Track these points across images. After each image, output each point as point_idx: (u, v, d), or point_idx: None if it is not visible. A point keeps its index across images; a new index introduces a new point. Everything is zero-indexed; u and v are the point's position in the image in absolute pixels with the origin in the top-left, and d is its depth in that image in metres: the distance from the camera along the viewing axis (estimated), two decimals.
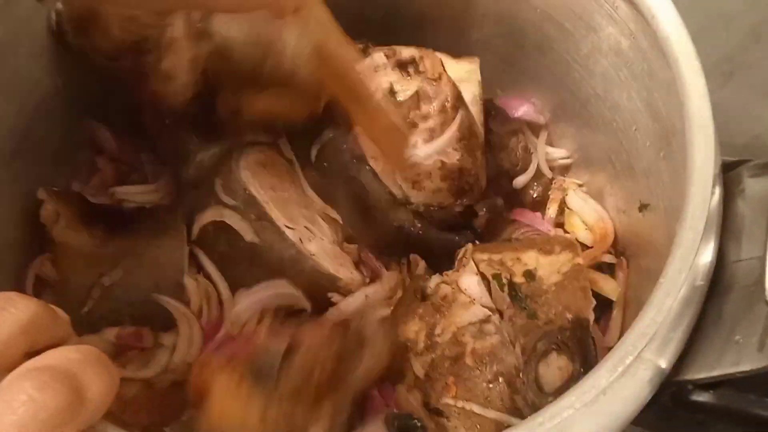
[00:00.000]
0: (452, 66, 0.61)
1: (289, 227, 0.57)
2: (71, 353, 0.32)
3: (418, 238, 0.61)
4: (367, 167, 0.59)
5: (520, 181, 0.68)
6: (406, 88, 0.59)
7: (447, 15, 0.68)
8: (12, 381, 0.29)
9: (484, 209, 0.63)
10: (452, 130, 0.58)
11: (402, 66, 0.59)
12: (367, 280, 0.61)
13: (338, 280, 0.58)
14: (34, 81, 0.56)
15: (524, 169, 0.68)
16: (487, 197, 0.64)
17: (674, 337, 0.42)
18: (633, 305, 0.59)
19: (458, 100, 0.58)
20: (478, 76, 0.62)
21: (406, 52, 0.60)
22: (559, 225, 0.68)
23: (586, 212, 0.67)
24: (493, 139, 0.66)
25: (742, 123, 0.61)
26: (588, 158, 0.68)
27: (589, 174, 0.68)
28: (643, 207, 0.57)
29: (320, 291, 0.58)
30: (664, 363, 0.42)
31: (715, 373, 0.41)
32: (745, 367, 0.39)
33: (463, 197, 0.61)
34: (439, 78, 0.58)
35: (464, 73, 0.61)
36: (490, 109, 0.67)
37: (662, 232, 0.53)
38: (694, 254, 0.41)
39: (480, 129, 0.61)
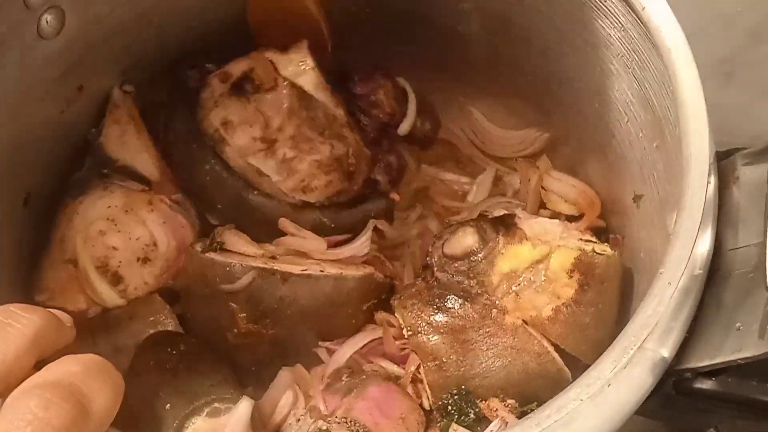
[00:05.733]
0: (283, 62, 0.61)
1: (304, 270, 0.57)
2: (73, 366, 0.31)
3: (336, 228, 0.63)
4: (255, 192, 0.61)
5: (404, 127, 0.69)
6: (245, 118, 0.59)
7: (432, 10, 0.68)
8: (15, 400, 0.29)
9: (381, 174, 0.65)
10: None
11: (237, 88, 0.59)
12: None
13: (372, 275, 0.60)
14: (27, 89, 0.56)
15: (403, 114, 0.69)
16: (379, 160, 0.65)
17: (675, 327, 0.43)
18: (628, 295, 0.59)
19: (302, 99, 0.59)
20: (312, 63, 0.62)
21: (237, 68, 0.61)
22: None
23: (565, 190, 0.68)
24: (361, 102, 0.66)
25: (743, 123, 0.62)
26: (579, 150, 0.68)
27: (580, 166, 0.69)
28: (637, 198, 0.57)
29: (372, 296, 0.60)
30: (666, 352, 0.42)
31: (717, 360, 0.41)
32: (747, 353, 0.39)
33: (354, 177, 0.62)
34: (276, 84, 0.59)
35: (297, 67, 0.61)
36: (347, 76, 0.67)
37: (657, 222, 0.53)
38: (692, 243, 0.41)
39: (337, 111, 0.61)
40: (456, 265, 0.56)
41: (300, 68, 0.61)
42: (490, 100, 0.74)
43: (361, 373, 0.57)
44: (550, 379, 0.53)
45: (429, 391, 0.55)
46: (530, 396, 0.53)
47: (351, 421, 0.51)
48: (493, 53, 0.69)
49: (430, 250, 0.59)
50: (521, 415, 0.52)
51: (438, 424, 0.55)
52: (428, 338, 0.55)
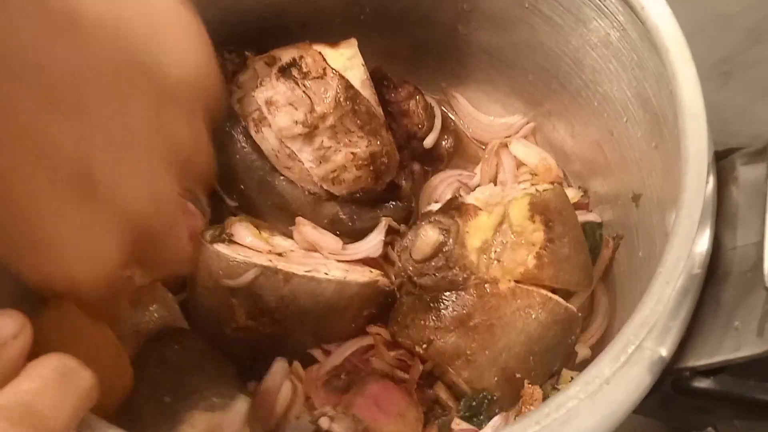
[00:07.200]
0: (332, 56, 0.61)
1: (308, 271, 0.57)
2: (27, 382, 0.30)
3: (353, 226, 0.63)
4: (281, 177, 0.61)
5: (429, 140, 0.70)
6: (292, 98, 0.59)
7: (433, 11, 0.68)
8: None
9: (403, 180, 0.66)
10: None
11: (285, 72, 0.59)
12: None
13: (376, 282, 0.60)
14: None
15: (430, 128, 0.70)
16: (404, 166, 0.66)
17: (674, 326, 0.43)
18: (627, 293, 0.59)
19: (348, 90, 0.59)
20: (361, 59, 0.62)
21: (286, 55, 0.61)
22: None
23: (530, 157, 0.71)
24: (392, 109, 0.67)
25: (742, 123, 0.62)
26: (578, 150, 0.68)
27: (579, 165, 0.69)
28: (635, 197, 0.57)
29: (373, 303, 0.60)
30: (664, 351, 0.42)
31: (715, 359, 0.41)
32: (745, 352, 0.40)
33: (383, 177, 0.63)
34: (324, 73, 0.59)
35: (346, 61, 0.62)
36: (381, 79, 0.67)
37: (656, 221, 0.54)
38: (691, 243, 0.42)
39: (378, 109, 0.62)
40: (432, 264, 0.57)
41: (349, 63, 0.61)
42: (484, 96, 0.74)
43: (360, 371, 0.58)
44: (562, 322, 0.56)
45: (466, 387, 0.56)
46: (555, 346, 0.56)
47: (350, 417, 0.52)
48: (492, 52, 0.69)
49: (399, 265, 0.60)
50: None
51: (436, 421, 0.55)
52: (444, 341, 0.56)
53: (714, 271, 0.45)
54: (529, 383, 0.55)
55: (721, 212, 0.47)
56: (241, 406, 0.50)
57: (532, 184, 0.63)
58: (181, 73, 0.33)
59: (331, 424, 0.51)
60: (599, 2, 0.54)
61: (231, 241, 0.59)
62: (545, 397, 0.54)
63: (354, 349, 0.60)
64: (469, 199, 0.60)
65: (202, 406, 0.50)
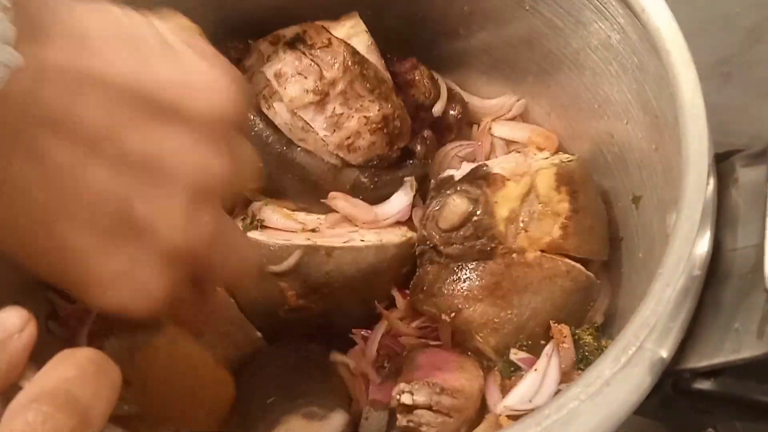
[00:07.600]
0: (335, 28, 0.62)
1: (346, 242, 0.58)
2: (69, 370, 0.30)
3: (375, 189, 0.64)
4: (299, 148, 0.61)
5: (437, 108, 0.70)
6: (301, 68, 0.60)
7: (433, 13, 0.68)
8: (12, 415, 0.28)
9: (418, 145, 0.66)
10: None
11: (291, 45, 0.60)
12: None
13: (410, 240, 0.61)
14: None
15: (437, 97, 0.70)
16: (416, 133, 0.67)
17: (674, 327, 0.43)
18: (627, 295, 0.60)
19: (355, 55, 0.60)
20: (363, 27, 0.63)
21: (289, 31, 0.62)
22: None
23: (516, 133, 0.71)
24: (398, 81, 0.67)
25: (741, 123, 0.62)
26: (578, 151, 0.68)
27: None
28: (636, 199, 0.58)
29: (410, 260, 0.62)
30: (665, 353, 0.42)
31: (715, 361, 0.41)
32: (745, 354, 0.40)
33: (397, 142, 0.63)
34: (329, 42, 0.60)
35: (349, 29, 0.62)
36: (383, 53, 0.67)
37: (656, 223, 0.54)
38: (691, 244, 0.42)
39: (386, 74, 0.63)
40: (460, 233, 0.57)
41: (353, 30, 0.62)
42: (483, 96, 0.74)
43: (399, 353, 0.59)
44: (583, 289, 0.58)
45: (493, 354, 0.56)
46: (576, 312, 0.57)
47: (424, 383, 0.52)
48: (492, 54, 0.69)
49: (425, 234, 0.60)
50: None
51: (496, 367, 0.56)
52: (473, 310, 0.56)
53: (714, 273, 0.45)
54: (555, 324, 0.56)
55: (721, 214, 0.47)
56: (338, 419, 0.51)
57: (552, 154, 0.64)
58: (212, 110, 0.35)
59: (413, 397, 0.51)
60: (599, 4, 0.54)
61: (263, 227, 0.60)
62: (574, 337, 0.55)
63: (381, 333, 0.61)
64: (496, 168, 0.60)
65: (302, 412, 0.51)
